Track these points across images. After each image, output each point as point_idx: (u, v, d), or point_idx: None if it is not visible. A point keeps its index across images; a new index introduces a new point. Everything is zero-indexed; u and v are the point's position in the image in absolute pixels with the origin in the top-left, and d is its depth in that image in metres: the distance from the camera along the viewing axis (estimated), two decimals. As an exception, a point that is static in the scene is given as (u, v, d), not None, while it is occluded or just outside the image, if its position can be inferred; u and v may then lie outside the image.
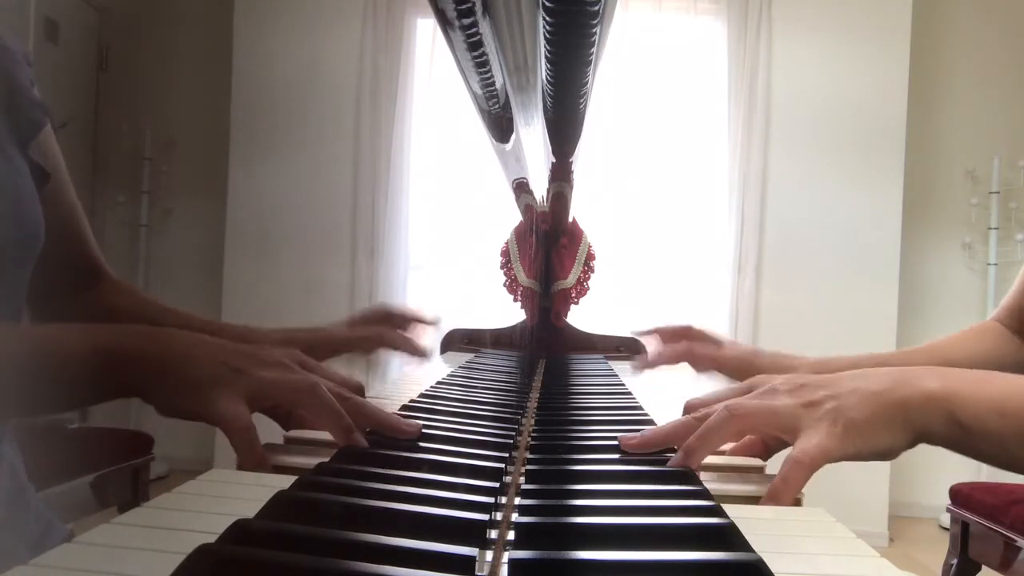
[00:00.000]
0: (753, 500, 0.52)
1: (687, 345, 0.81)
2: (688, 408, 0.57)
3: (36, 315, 0.76)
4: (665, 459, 0.57)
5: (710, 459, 0.57)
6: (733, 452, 0.61)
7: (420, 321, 0.83)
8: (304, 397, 0.54)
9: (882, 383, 0.53)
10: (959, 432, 0.51)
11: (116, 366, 0.53)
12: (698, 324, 0.87)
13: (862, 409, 0.51)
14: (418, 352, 0.80)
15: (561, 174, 1.09)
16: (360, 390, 0.57)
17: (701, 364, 0.86)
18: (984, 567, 2.05)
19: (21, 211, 0.63)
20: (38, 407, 0.60)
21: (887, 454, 0.52)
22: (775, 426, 0.54)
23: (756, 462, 0.59)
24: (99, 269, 0.80)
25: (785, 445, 0.57)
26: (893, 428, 0.51)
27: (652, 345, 0.84)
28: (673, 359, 0.82)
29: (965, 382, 0.53)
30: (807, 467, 0.50)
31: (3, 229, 0.61)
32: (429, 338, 0.83)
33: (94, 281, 0.80)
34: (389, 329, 0.78)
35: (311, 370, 0.59)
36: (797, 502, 0.52)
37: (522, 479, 0.48)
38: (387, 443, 0.57)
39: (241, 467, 0.52)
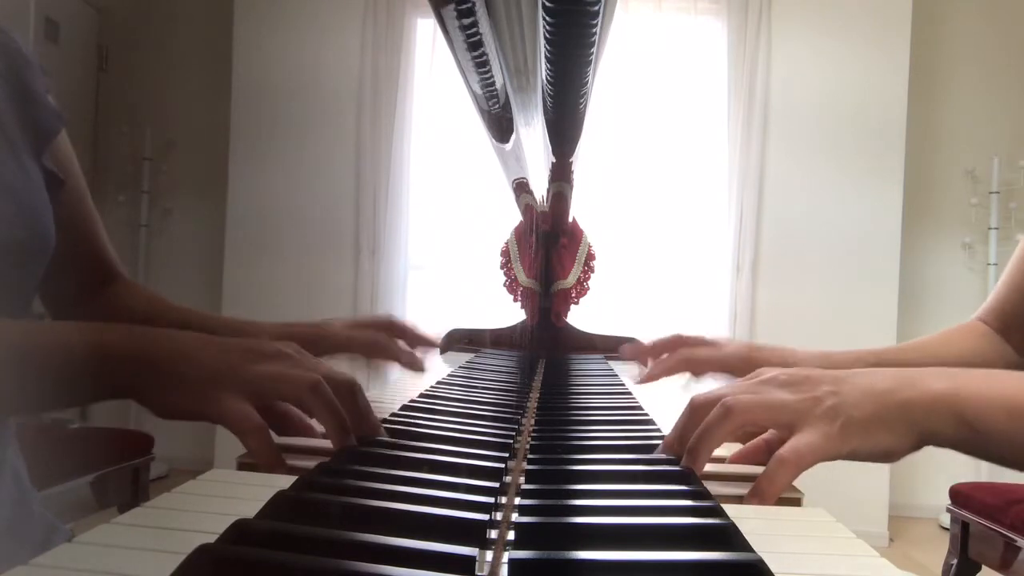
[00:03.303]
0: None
1: (683, 352, 0.80)
2: (693, 404, 0.56)
3: (54, 316, 0.79)
4: (667, 458, 0.57)
5: (718, 468, 0.57)
6: (734, 460, 0.60)
7: (422, 339, 0.82)
8: (305, 394, 0.53)
9: (887, 383, 0.52)
10: (968, 432, 0.50)
11: (109, 366, 0.53)
12: (686, 331, 0.86)
13: (864, 407, 0.50)
14: (414, 366, 0.79)
15: (561, 174, 1.09)
16: (353, 388, 0.56)
17: (700, 368, 0.84)
18: (984, 567, 2.05)
19: (31, 215, 0.64)
20: (31, 404, 0.60)
21: (888, 456, 0.51)
22: (773, 421, 0.53)
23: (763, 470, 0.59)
24: (114, 271, 0.82)
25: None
26: (896, 429, 0.50)
27: (647, 364, 0.83)
28: (671, 370, 0.81)
29: (972, 381, 0.52)
30: (793, 466, 0.49)
31: (10, 231, 0.61)
32: (427, 355, 0.82)
33: (109, 282, 0.82)
34: (389, 338, 0.78)
35: (309, 358, 0.58)
36: (796, 501, 0.52)
37: (522, 479, 0.48)
38: (387, 443, 0.57)
39: (246, 464, 0.52)
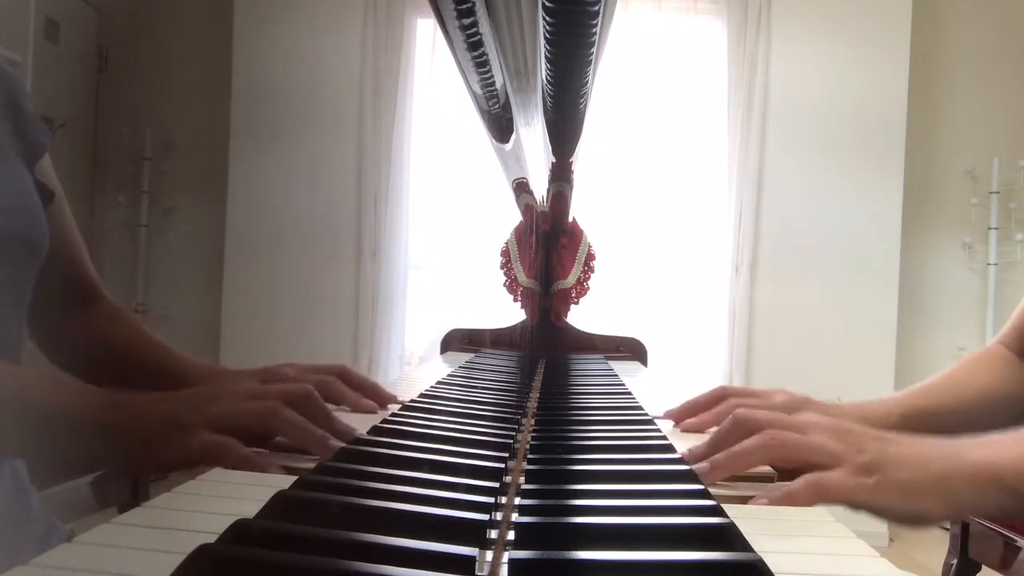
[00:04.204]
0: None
1: (732, 403, 0.79)
2: (737, 419, 0.56)
3: (34, 334, 0.79)
4: (667, 459, 0.57)
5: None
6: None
7: (375, 396, 0.79)
8: (269, 422, 0.54)
9: (931, 452, 0.52)
10: (1010, 498, 0.51)
11: (79, 440, 0.54)
12: (731, 384, 0.84)
13: (904, 470, 0.51)
14: (361, 410, 0.77)
15: (561, 174, 1.09)
16: (310, 396, 0.57)
17: None
18: (984, 567, 2.04)
19: (29, 211, 0.66)
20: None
21: (919, 521, 0.51)
22: (810, 463, 0.53)
23: (768, 469, 0.59)
24: (96, 292, 0.83)
25: (797, 475, 0.56)
26: (931, 498, 0.51)
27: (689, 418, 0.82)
28: (720, 417, 0.79)
29: (1006, 446, 0.53)
30: (817, 495, 0.49)
31: (14, 225, 0.63)
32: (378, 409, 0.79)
33: (91, 303, 0.83)
34: (339, 382, 0.76)
35: (261, 386, 0.59)
36: None
37: (522, 479, 0.48)
38: (386, 443, 0.57)
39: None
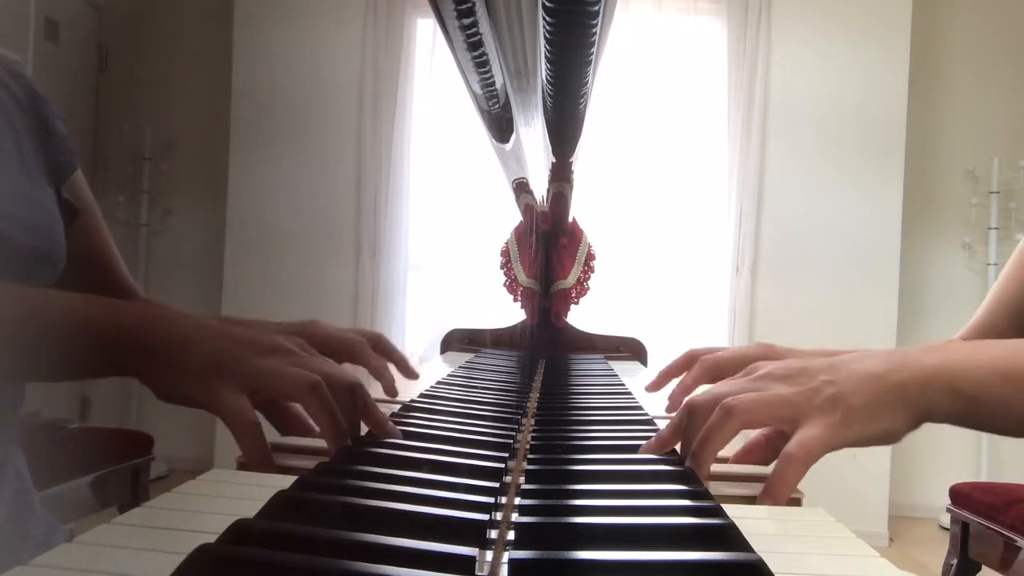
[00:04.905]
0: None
1: (704, 361, 0.79)
2: (692, 406, 0.56)
3: None
4: (669, 458, 0.57)
5: (718, 468, 0.57)
6: (736, 460, 0.60)
7: (401, 366, 0.81)
8: (303, 393, 0.53)
9: (881, 365, 0.52)
10: (964, 403, 0.50)
11: (114, 343, 0.53)
12: (697, 346, 0.85)
13: (862, 393, 0.50)
14: (383, 378, 0.78)
15: (561, 174, 1.09)
16: (353, 390, 0.56)
17: (723, 371, 0.83)
18: (984, 567, 2.05)
19: (50, 231, 0.68)
20: (36, 372, 0.60)
21: (889, 437, 0.51)
22: (774, 418, 0.53)
23: (764, 469, 0.58)
24: (130, 292, 0.86)
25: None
26: (894, 410, 0.50)
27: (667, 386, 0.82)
28: (698, 380, 0.79)
29: (962, 353, 0.52)
30: (801, 462, 0.49)
31: (35, 241, 0.65)
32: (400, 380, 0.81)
33: None
34: (369, 347, 0.77)
35: (312, 356, 0.59)
36: (796, 501, 0.52)
37: (522, 479, 0.48)
38: (386, 443, 0.57)
39: (246, 464, 0.51)
